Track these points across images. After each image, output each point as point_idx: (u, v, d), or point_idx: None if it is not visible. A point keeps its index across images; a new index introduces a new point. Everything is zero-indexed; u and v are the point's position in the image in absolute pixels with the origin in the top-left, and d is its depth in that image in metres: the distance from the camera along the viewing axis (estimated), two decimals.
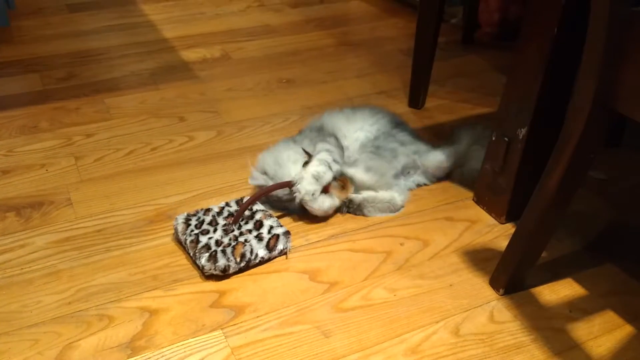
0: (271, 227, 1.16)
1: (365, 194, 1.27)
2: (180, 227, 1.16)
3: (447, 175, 1.40)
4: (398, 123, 1.44)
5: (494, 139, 1.23)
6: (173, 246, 1.18)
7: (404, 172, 1.35)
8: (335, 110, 1.47)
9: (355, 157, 1.33)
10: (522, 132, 1.16)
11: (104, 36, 2.14)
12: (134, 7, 2.39)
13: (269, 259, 1.15)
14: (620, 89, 0.86)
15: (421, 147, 1.39)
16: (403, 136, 1.38)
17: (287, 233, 1.16)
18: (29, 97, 1.72)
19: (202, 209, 1.21)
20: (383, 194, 1.28)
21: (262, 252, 1.12)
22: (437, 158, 1.37)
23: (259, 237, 1.14)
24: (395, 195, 1.29)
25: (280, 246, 1.14)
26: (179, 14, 2.35)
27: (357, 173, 1.27)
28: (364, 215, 1.28)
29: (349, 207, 1.27)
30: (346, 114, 1.43)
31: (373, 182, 1.28)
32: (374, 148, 1.32)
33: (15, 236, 1.20)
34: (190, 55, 2.01)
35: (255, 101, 1.73)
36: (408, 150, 1.36)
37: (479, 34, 2.17)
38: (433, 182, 1.39)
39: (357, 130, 1.36)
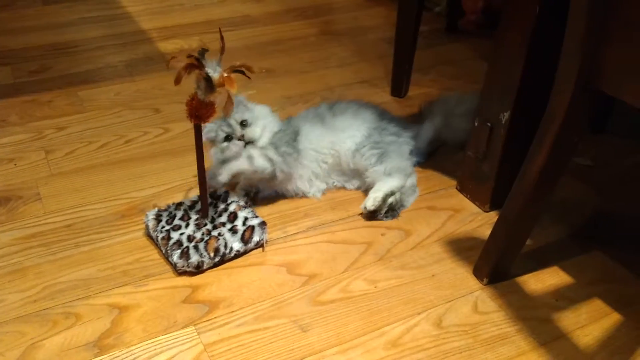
0: (246, 219, 1.12)
1: (395, 188, 1.22)
2: (151, 224, 1.12)
3: (434, 151, 1.42)
4: (381, 113, 1.38)
5: (476, 124, 1.20)
6: (145, 241, 1.14)
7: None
8: (310, 112, 1.33)
9: (352, 165, 1.27)
10: (505, 116, 1.13)
11: (80, 28, 2.08)
12: None
13: (245, 252, 1.11)
14: (603, 68, 0.82)
15: (412, 131, 1.36)
16: (393, 127, 1.32)
17: (262, 224, 1.11)
18: None
19: (173, 204, 1.17)
20: (408, 181, 1.26)
21: (237, 245, 1.08)
22: (427, 135, 1.38)
23: (234, 230, 1.09)
24: (413, 180, 1.27)
25: (256, 238, 1.10)
26: (157, 5, 2.29)
27: (390, 183, 1.21)
28: (404, 208, 1.24)
29: (393, 211, 1.21)
30: (326, 122, 1.30)
31: (403, 180, 1.24)
32: (374, 144, 1.26)
33: None
34: (167, 46, 1.95)
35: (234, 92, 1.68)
36: (406, 138, 1.33)
37: (463, 22, 2.13)
38: (426, 160, 1.39)
39: (345, 139, 1.27)
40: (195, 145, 1.07)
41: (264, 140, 1.21)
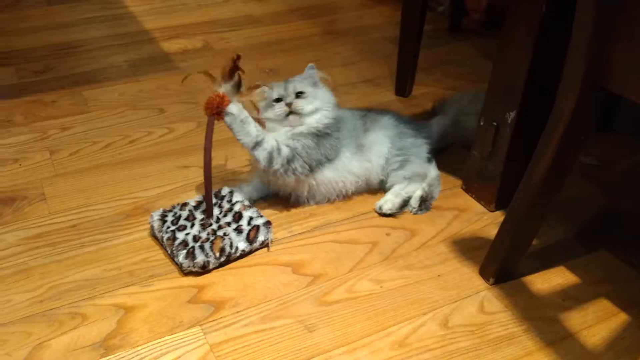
0: (251, 218, 1.11)
1: (425, 181, 1.25)
2: (156, 224, 1.12)
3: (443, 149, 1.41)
4: (397, 117, 1.34)
5: (482, 123, 1.19)
6: (150, 241, 1.14)
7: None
8: (349, 121, 1.26)
9: (383, 176, 1.26)
10: (511, 115, 1.12)
11: (84, 28, 2.08)
12: None
13: (250, 252, 1.10)
14: (611, 66, 0.82)
15: (426, 128, 1.36)
16: (411, 130, 1.30)
17: (267, 223, 1.11)
18: (4, 90, 1.66)
19: (178, 204, 1.16)
20: (431, 172, 1.27)
21: (242, 245, 1.08)
22: (435, 130, 1.38)
23: (239, 230, 1.09)
24: (437, 171, 1.29)
25: (261, 237, 1.10)
26: (160, 5, 2.29)
27: (408, 189, 1.23)
28: (434, 199, 1.25)
29: (426, 202, 1.23)
30: (359, 142, 1.25)
31: (420, 185, 1.25)
32: (397, 150, 1.25)
33: None
34: (171, 46, 1.95)
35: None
36: (423, 139, 1.31)
37: (466, 22, 2.13)
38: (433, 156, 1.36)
39: (373, 156, 1.24)
40: (205, 141, 1.08)
41: (309, 120, 1.18)
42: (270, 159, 1.14)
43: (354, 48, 1.97)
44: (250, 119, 1.13)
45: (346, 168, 1.22)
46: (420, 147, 1.29)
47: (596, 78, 0.84)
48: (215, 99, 1.08)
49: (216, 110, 1.08)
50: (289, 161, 1.15)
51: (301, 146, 1.16)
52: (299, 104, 1.18)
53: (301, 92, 1.20)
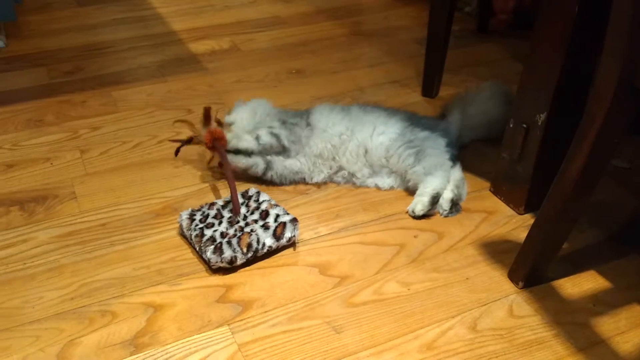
0: (277, 216, 1.12)
1: (452, 184, 1.23)
2: (185, 223, 1.13)
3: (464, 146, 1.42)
4: (411, 115, 1.38)
5: (511, 125, 1.18)
6: (179, 240, 1.15)
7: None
8: (336, 106, 1.38)
9: (387, 162, 1.27)
10: (541, 117, 1.11)
11: (112, 29, 2.11)
12: (142, 0, 2.36)
13: (277, 248, 1.11)
14: None
15: (443, 124, 1.37)
16: (425, 123, 1.32)
17: (294, 220, 1.11)
18: (35, 90, 1.69)
19: (206, 204, 1.17)
20: (455, 174, 1.25)
21: (269, 241, 1.08)
22: (453, 125, 1.39)
23: (266, 226, 1.10)
24: (460, 171, 1.27)
25: (288, 234, 1.10)
26: (188, 6, 2.31)
27: (433, 184, 1.21)
28: (462, 200, 1.24)
29: (456, 205, 1.22)
30: (352, 113, 1.33)
31: (445, 177, 1.23)
32: (408, 143, 1.25)
33: (18, 231, 1.17)
34: (198, 47, 1.97)
35: (265, 92, 1.69)
36: (440, 131, 1.31)
37: (493, 22, 2.11)
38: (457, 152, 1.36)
39: (377, 135, 1.28)
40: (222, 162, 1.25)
41: (248, 128, 1.33)
42: (277, 138, 1.28)
43: (380, 49, 1.97)
44: (242, 135, 1.31)
45: (330, 119, 1.32)
46: (436, 140, 1.29)
47: (632, 79, 0.83)
48: (212, 132, 1.26)
49: (219, 137, 1.26)
50: (284, 125, 1.30)
51: (278, 116, 1.33)
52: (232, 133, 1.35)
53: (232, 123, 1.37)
